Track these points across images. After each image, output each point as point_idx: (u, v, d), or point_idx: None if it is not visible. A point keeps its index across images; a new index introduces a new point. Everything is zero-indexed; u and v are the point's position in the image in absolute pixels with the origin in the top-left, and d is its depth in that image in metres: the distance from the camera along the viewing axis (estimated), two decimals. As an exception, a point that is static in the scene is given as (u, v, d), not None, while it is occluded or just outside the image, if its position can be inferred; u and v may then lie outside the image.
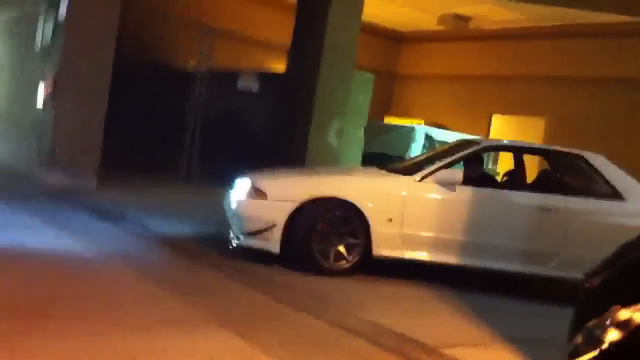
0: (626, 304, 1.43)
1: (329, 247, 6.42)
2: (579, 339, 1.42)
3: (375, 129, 13.97)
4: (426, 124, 17.69)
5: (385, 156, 12.66)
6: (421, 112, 19.77)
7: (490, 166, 13.92)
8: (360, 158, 12.96)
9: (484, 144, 7.41)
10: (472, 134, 14.33)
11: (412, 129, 13.68)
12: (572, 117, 16.43)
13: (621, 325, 1.38)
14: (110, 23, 9.70)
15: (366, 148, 13.25)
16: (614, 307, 1.44)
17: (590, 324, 1.44)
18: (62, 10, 9.66)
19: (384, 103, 20.98)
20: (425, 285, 6.57)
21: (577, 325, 1.48)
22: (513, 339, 4.98)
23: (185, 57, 12.50)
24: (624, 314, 1.40)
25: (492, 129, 18.55)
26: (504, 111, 18.46)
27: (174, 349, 4.07)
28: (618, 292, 1.52)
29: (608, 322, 1.40)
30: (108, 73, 9.75)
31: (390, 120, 18.89)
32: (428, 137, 13.57)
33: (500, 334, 5.13)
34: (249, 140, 12.58)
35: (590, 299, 1.63)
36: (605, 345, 1.34)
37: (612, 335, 1.37)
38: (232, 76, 11.69)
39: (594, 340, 1.38)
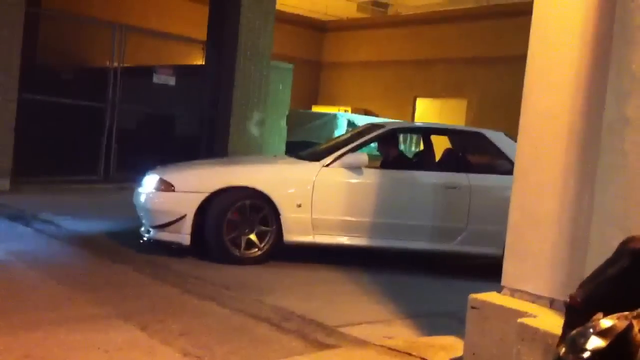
0: (609, 314, 1.49)
1: (240, 236, 6.47)
2: (562, 349, 1.48)
3: (298, 118, 14.07)
4: (353, 111, 17.84)
5: (308, 144, 12.73)
6: (348, 99, 19.93)
7: (413, 149, 14.16)
8: (283, 147, 13.03)
9: (389, 126, 7.54)
10: (398, 118, 14.53)
11: (334, 117, 13.82)
12: (493, 97, 16.76)
13: (604, 333, 1.44)
14: (16, 25, 9.57)
15: (290, 137, 13.33)
16: (596, 315, 1.51)
17: (573, 332, 1.50)
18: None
19: (311, 92, 21.07)
20: (339, 269, 6.63)
21: (562, 341, 1.54)
22: (414, 315, 5.10)
23: (99, 57, 12.34)
24: (606, 322, 1.46)
25: (416, 112, 18.84)
26: (427, 94, 18.75)
27: (70, 344, 4.08)
28: (600, 306, 1.58)
29: (591, 331, 1.46)
30: (16, 74, 9.61)
31: (317, 109, 19.01)
32: (351, 124, 13.71)
33: (404, 310, 5.25)
34: (170, 135, 12.50)
35: (574, 315, 1.70)
36: (587, 354, 1.40)
37: (595, 342, 1.42)
38: (149, 72, 11.60)
39: (577, 350, 1.43)
